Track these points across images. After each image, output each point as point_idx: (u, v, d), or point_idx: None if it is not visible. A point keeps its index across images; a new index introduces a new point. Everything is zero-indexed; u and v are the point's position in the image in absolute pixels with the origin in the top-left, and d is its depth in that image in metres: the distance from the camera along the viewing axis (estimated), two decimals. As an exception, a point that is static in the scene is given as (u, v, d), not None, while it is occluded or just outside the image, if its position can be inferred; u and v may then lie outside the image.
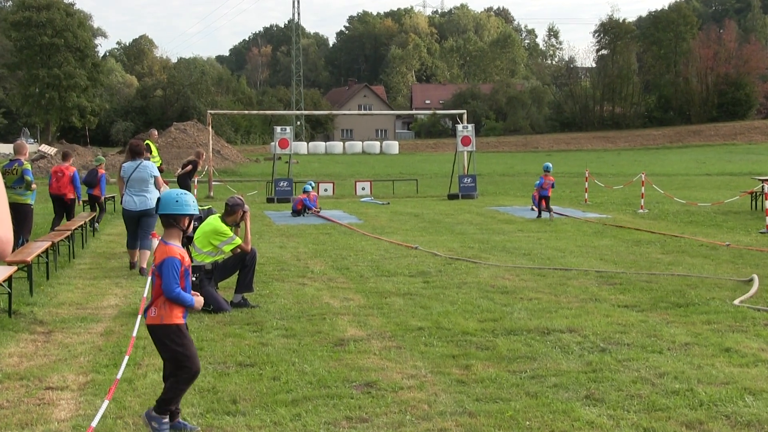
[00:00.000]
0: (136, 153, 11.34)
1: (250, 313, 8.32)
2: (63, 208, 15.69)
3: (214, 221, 8.93)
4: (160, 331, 4.84)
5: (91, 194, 17.35)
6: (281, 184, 26.20)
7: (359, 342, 7.07)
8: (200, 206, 8.14)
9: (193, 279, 8.17)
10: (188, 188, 18.01)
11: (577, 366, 6.21)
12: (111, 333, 7.54)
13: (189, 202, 5.07)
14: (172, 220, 5.03)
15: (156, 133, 21.96)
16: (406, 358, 6.52)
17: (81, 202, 17.67)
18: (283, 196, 25.52)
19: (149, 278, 7.08)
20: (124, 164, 11.50)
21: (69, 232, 12.52)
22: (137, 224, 11.20)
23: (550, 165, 19.71)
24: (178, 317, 4.87)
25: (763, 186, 17.71)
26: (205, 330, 7.52)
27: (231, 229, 8.94)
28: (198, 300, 4.93)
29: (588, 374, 5.97)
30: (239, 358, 6.57)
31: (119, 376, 5.41)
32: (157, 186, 11.34)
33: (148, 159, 11.82)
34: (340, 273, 10.98)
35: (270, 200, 25.86)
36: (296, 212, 20.20)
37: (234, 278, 8.95)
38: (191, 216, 5.11)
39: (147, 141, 18.20)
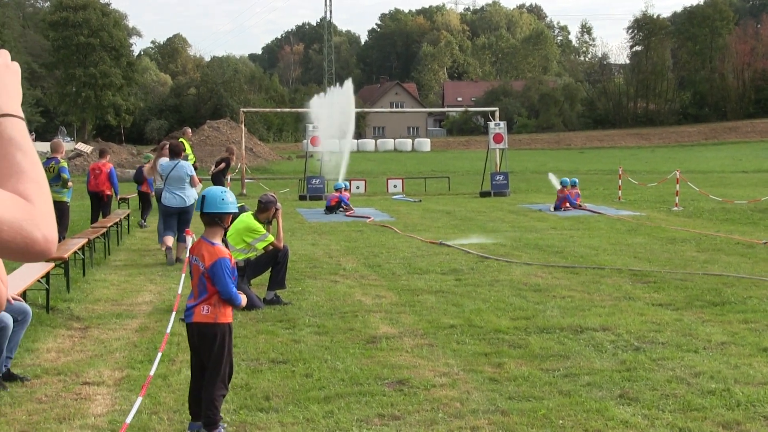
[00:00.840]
0: (175, 153, 12.20)
1: (283, 310, 8.37)
2: (100, 205, 15.94)
3: (247, 218, 8.99)
4: (213, 330, 4.84)
5: (140, 191, 17.70)
6: (313, 181, 26.30)
7: (391, 339, 7.07)
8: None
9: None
10: (223, 185, 18.22)
11: (611, 365, 6.16)
12: (146, 329, 7.64)
13: (232, 200, 5.13)
14: (216, 219, 5.06)
15: (190, 131, 22.15)
16: (438, 356, 6.51)
17: (118, 198, 17.97)
18: (315, 194, 25.61)
19: (182, 276, 7.15)
20: (162, 162, 12.53)
21: (104, 229, 12.71)
22: (176, 219, 12.00)
23: (567, 180, 20.29)
24: (230, 316, 4.94)
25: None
26: (238, 327, 7.57)
27: (263, 227, 9.00)
28: (244, 299, 4.99)
29: (622, 373, 5.91)
30: (272, 354, 6.61)
31: (152, 372, 5.47)
32: (192, 184, 12.10)
33: (186, 159, 12.54)
34: (371, 270, 11.00)
35: (302, 198, 25.97)
36: (329, 209, 20.27)
37: (266, 275, 9.01)
38: (234, 214, 5.18)
39: (181, 139, 18.46)
